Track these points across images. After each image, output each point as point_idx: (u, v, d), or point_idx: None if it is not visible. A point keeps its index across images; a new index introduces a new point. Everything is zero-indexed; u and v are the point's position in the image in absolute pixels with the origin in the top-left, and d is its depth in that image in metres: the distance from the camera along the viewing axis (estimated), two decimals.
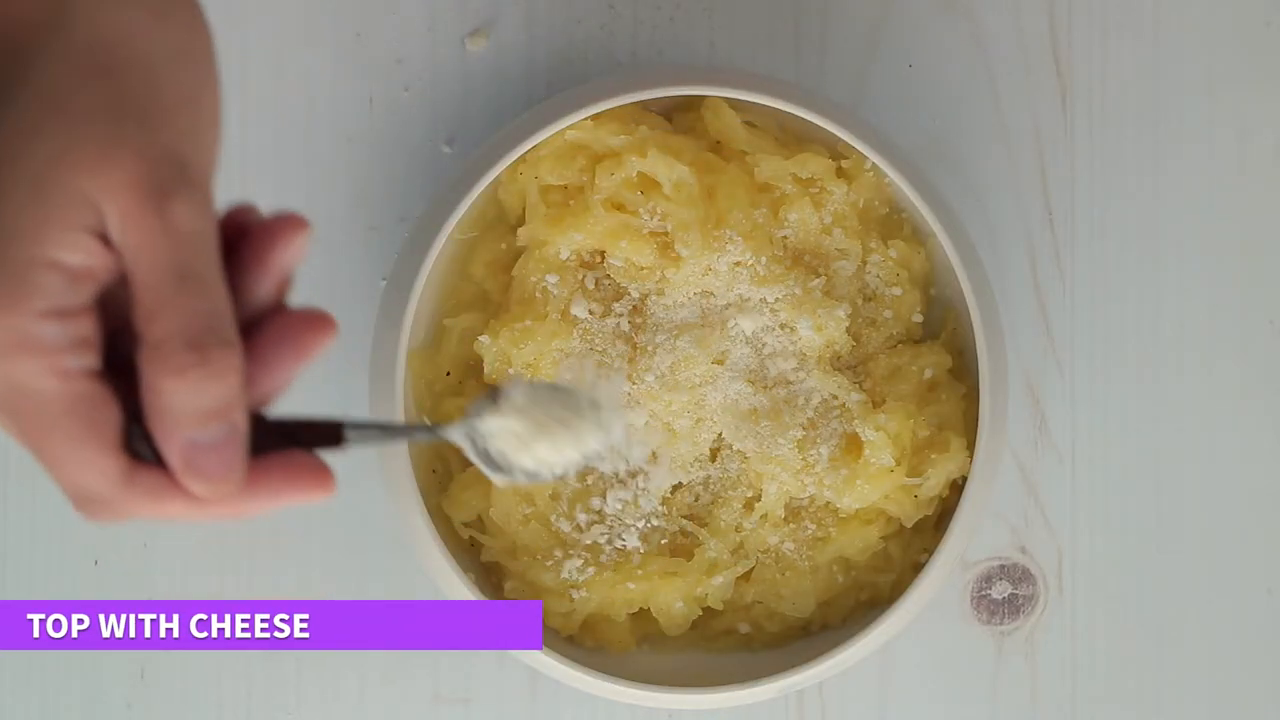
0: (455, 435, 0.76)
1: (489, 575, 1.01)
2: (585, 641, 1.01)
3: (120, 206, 0.66)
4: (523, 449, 0.77)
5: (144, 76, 0.67)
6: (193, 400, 0.67)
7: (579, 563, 0.99)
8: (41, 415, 0.67)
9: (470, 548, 1.01)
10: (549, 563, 0.99)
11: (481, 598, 0.97)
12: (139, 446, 0.69)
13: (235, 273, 0.69)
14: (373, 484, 1.04)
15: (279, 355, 0.70)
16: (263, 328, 0.70)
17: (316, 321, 0.70)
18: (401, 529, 0.99)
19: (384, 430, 0.75)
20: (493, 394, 0.77)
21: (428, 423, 0.77)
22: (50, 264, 0.66)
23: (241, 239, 0.70)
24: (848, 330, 0.99)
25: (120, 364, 0.69)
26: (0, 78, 0.67)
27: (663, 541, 1.00)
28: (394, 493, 0.98)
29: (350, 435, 0.72)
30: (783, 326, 0.99)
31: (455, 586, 0.97)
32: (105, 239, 0.66)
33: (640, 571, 0.98)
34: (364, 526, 1.04)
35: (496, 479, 0.77)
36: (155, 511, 0.69)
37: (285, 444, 0.71)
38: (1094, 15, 1.05)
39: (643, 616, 1.01)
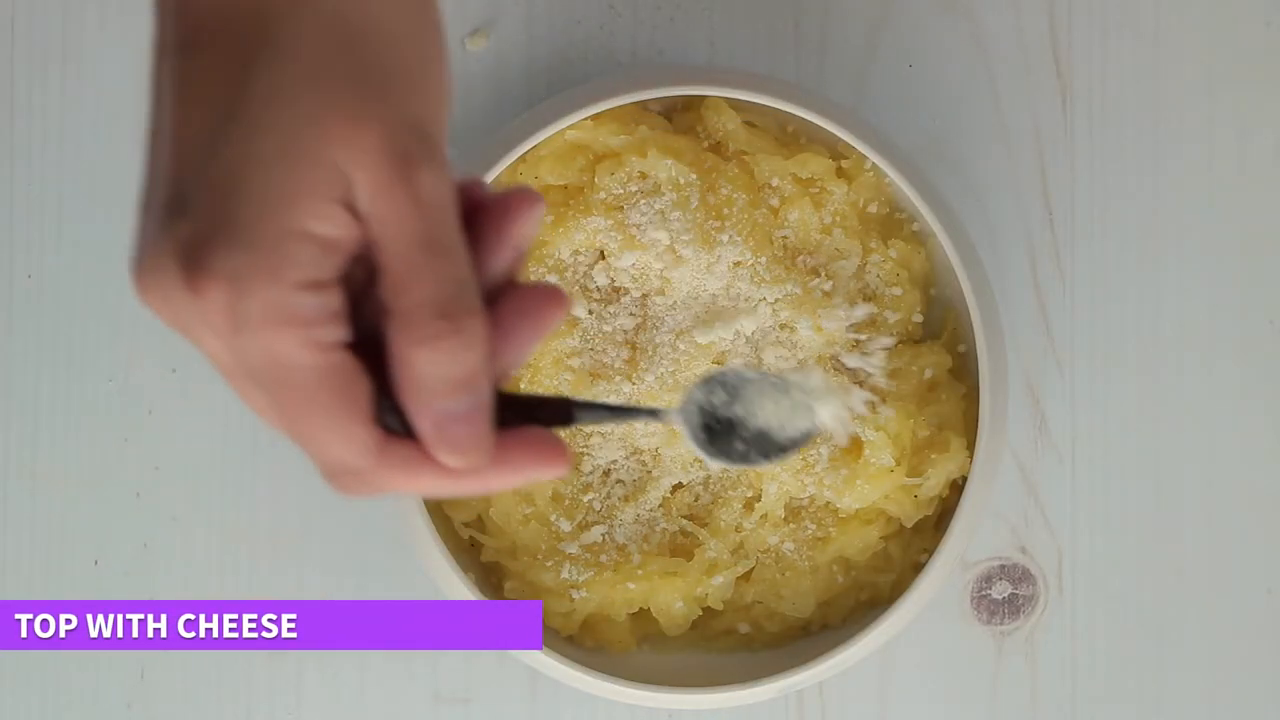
0: (677, 419, 0.78)
1: (489, 575, 1.01)
2: (585, 642, 1.01)
3: (370, 176, 0.66)
4: (755, 423, 0.79)
5: (386, 48, 0.67)
6: (444, 369, 0.67)
7: (579, 563, 0.99)
8: (299, 389, 0.67)
9: (470, 548, 1.01)
10: (549, 563, 0.99)
11: (481, 598, 0.97)
12: (388, 419, 0.69)
13: (472, 247, 0.69)
14: None
15: (518, 328, 0.70)
16: (500, 302, 0.70)
17: (552, 296, 0.71)
18: (401, 529, 0.99)
19: (610, 411, 0.75)
20: (722, 380, 0.78)
21: (652, 407, 0.79)
22: (304, 235, 0.66)
23: (477, 213, 0.70)
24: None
25: (360, 337, 0.69)
26: (249, 47, 0.67)
27: (663, 542, 1.00)
28: (394, 493, 0.98)
29: (579, 414, 0.73)
30: (783, 327, 0.99)
31: (455, 586, 0.97)
32: (353, 210, 0.66)
33: (640, 571, 0.98)
34: (364, 526, 1.05)
35: (714, 463, 0.78)
36: (407, 484, 0.70)
37: (521, 420, 0.71)
38: (1094, 15, 1.05)
39: (643, 616, 1.01)
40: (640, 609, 1.00)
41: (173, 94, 0.68)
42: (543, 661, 0.97)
